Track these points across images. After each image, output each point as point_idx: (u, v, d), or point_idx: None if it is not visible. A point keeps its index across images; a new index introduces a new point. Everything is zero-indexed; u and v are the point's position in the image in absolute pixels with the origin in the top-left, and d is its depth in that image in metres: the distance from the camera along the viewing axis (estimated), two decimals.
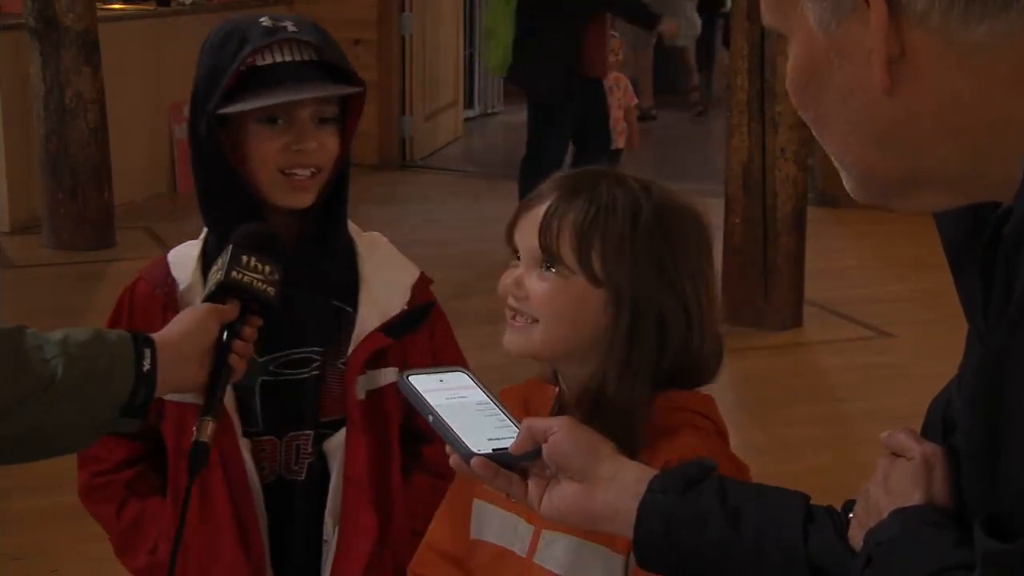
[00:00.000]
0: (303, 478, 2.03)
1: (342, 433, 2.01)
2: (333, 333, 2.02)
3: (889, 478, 1.19)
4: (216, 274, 1.82)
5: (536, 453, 1.39)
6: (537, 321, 1.65)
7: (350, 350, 2.00)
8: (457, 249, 7.07)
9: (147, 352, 1.68)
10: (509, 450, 1.40)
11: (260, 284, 1.79)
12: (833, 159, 1.04)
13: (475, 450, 1.39)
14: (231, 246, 1.81)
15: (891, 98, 0.96)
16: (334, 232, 2.03)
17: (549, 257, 1.64)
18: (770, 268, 5.95)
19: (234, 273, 1.78)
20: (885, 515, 1.16)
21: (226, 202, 1.97)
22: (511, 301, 1.67)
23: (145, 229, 7.51)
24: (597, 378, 1.64)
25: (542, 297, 1.65)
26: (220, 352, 1.77)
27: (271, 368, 2.00)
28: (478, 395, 1.48)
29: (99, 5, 7.59)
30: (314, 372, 2.01)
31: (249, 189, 1.96)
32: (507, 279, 1.68)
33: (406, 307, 2.05)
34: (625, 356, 1.62)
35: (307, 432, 2.02)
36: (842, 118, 1.00)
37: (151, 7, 8.82)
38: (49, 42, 6.95)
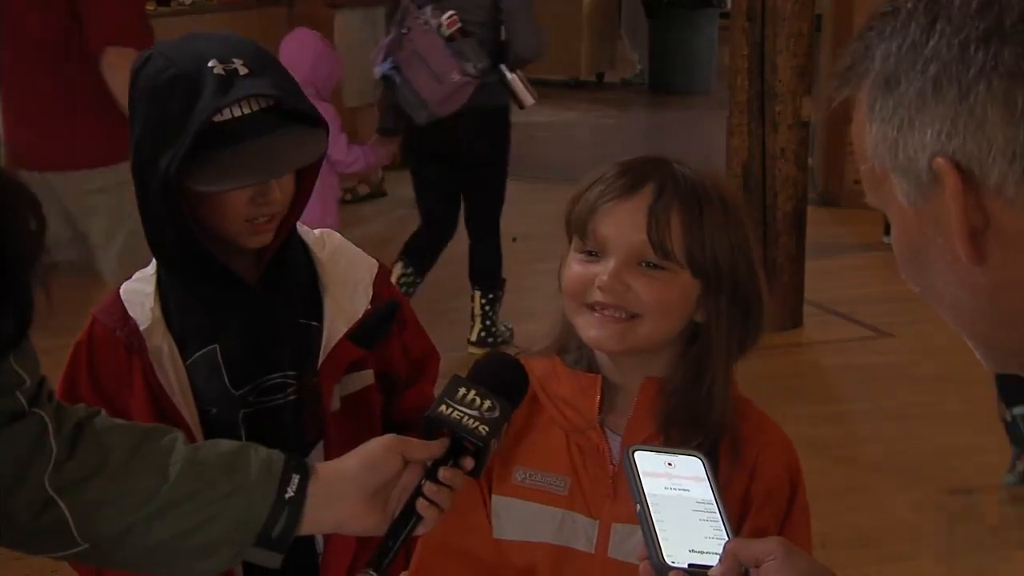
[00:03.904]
0: None
1: (319, 449, 1.97)
2: (304, 352, 1.97)
3: None
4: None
5: None
6: (636, 316, 1.62)
7: (319, 363, 1.97)
8: (458, 249, 7.06)
9: (294, 478, 1.56)
10: (710, 574, 1.25)
11: (470, 421, 1.56)
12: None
13: (670, 563, 1.26)
14: (454, 376, 1.62)
15: (986, 267, 0.94)
16: (291, 254, 1.99)
17: (663, 253, 1.61)
18: (770, 268, 5.94)
19: (442, 407, 1.58)
20: None
21: (178, 245, 1.90)
22: (605, 297, 1.62)
23: None
24: (681, 370, 1.65)
25: (651, 293, 1.61)
26: (411, 494, 1.57)
27: (249, 399, 1.97)
28: (703, 490, 1.33)
29: None
30: (291, 396, 1.98)
31: (204, 235, 1.89)
32: (591, 273, 1.63)
33: (370, 307, 2.02)
34: (724, 347, 1.65)
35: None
36: (947, 291, 0.99)
37: (151, 7, 8.80)
38: None
